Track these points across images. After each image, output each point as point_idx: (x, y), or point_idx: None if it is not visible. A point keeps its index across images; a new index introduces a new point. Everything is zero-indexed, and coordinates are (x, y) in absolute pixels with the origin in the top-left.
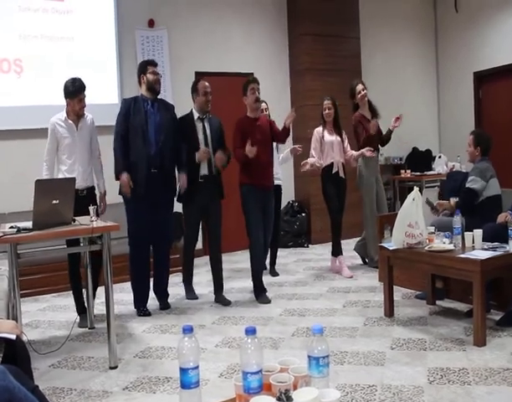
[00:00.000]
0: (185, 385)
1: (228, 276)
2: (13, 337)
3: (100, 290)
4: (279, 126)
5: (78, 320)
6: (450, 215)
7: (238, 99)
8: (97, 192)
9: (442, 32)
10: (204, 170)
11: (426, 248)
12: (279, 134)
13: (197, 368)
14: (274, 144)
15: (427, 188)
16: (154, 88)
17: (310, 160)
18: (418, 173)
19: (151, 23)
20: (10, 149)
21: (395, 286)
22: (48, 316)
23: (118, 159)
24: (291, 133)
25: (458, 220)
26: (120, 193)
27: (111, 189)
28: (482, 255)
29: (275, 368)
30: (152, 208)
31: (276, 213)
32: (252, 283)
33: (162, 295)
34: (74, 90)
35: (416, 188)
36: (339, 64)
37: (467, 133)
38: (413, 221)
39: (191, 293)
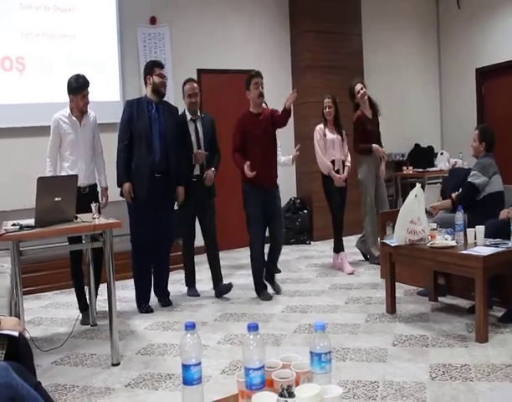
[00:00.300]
0: (187, 382)
1: (230, 273)
2: (16, 334)
3: (102, 287)
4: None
5: (80, 317)
6: (451, 211)
7: (239, 96)
8: (99, 188)
9: (444, 29)
10: (197, 171)
11: (428, 244)
12: (280, 117)
13: (199, 364)
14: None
15: (429, 184)
16: (159, 91)
17: (333, 174)
18: (420, 170)
19: (153, 21)
20: (12, 147)
21: (397, 283)
22: (51, 313)
23: (121, 169)
24: (292, 131)
25: (460, 217)
26: (121, 195)
27: (114, 186)
28: (484, 251)
29: (277, 365)
30: (154, 210)
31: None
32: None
33: (162, 293)
34: (78, 86)
35: (418, 185)
36: (341, 61)
37: (469, 130)
38: (415, 217)
39: (192, 290)
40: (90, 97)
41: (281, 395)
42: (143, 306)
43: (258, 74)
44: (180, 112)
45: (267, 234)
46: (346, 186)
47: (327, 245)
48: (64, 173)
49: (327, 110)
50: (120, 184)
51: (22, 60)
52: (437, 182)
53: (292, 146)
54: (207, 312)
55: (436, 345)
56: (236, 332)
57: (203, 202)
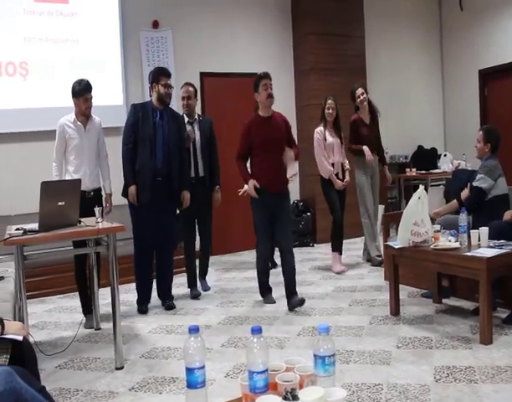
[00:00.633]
0: (191, 385)
1: (233, 277)
2: (20, 338)
3: (106, 291)
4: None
5: (84, 321)
6: (456, 213)
7: (242, 99)
8: (103, 192)
9: (446, 30)
10: (192, 172)
11: (432, 246)
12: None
13: (203, 367)
14: None
15: (432, 186)
16: (164, 101)
17: (333, 178)
18: (424, 172)
19: (156, 25)
20: (16, 151)
21: (401, 285)
22: (55, 317)
23: (127, 172)
24: (295, 133)
25: (463, 218)
26: (122, 194)
27: (117, 191)
28: (488, 252)
29: (281, 368)
30: (156, 213)
31: None
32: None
33: (166, 296)
34: (80, 89)
35: (421, 187)
36: (343, 63)
37: (472, 131)
38: (419, 219)
39: (194, 290)
40: (93, 101)
41: (285, 398)
42: (142, 307)
43: (267, 76)
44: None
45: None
46: (345, 188)
47: (330, 248)
48: (68, 177)
49: (330, 111)
50: (126, 186)
51: (25, 65)
52: (440, 184)
53: None
54: (210, 316)
55: (440, 347)
56: (239, 336)
57: (202, 204)
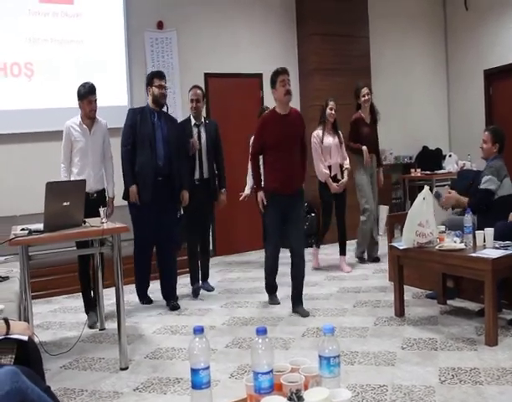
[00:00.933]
0: (196, 386)
1: (238, 277)
2: (25, 338)
3: (108, 291)
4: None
5: (88, 322)
6: (461, 214)
7: (247, 100)
8: (107, 194)
9: (451, 30)
10: (197, 174)
11: (436, 247)
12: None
13: (207, 368)
14: None
15: (437, 186)
16: (159, 102)
17: (329, 182)
18: (428, 172)
19: (160, 25)
20: (21, 152)
21: (405, 286)
22: (60, 317)
23: (127, 173)
24: None
25: (469, 219)
26: (123, 198)
27: (118, 191)
28: (493, 253)
29: (286, 368)
30: (157, 212)
31: None
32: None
33: (170, 296)
34: (84, 91)
35: (426, 187)
36: (348, 63)
37: (477, 131)
38: (424, 220)
39: (196, 286)
40: (98, 102)
41: (290, 399)
42: (143, 301)
43: (285, 71)
44: (185, 118)
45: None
46: (345, 188)
47: (335, 249)
48: (72, 179)
49: (332, 112)
50: (127, 187)
51: (30, 66)
52: (445, 185)
53: None
54: (215, 316)
55: (445, 348)
56: (244, 336)
57: (205, 205)
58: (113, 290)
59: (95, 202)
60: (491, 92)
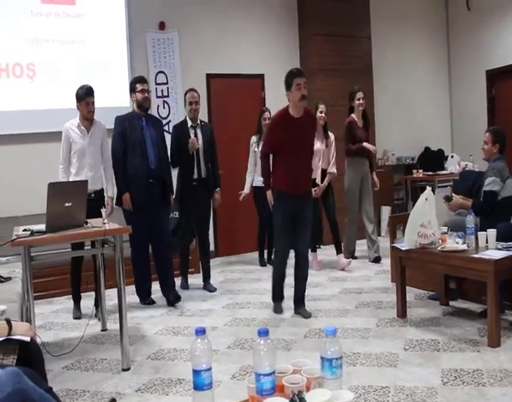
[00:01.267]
0: (198, 387)
1: (239, 278)
2: (28, 339)
3: (110, 292)
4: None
5: (85, 320)
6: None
7: (248, 100)
8: (105, 194)
9: (453, 30)
10: (195, 174)
11: (439, 248)
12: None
13: (209, 369)
14: None
15: (439, 187)
16: (143, 106)
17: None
18: (431, 173)
19: (162, 26)
20: (23, 153)
21: (407, 287)
22: (62, 318)
23: (120, 181)
24: None
25: (471, 220)
26: (116, 203)
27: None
28: (496, 254)
29: (288, 370)
30: (151, 213)
31: (270, 213)
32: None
33: (169, 292)
34: (82, 93)
35: (428, 188)
36: (350, 64)
37: (480, 132)
38: (426, 221)
39: (184, 280)
40: (99, 103)
41: (292, 401)
42: (145, 302)
43: (301, 73)
44: (181, 120)
45: None
46: (331, 192)
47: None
48: (70, 179)
49: (322, 115)
50: (120, 194)
51: (32, 67)
52: (447, 186)
53: None
54: (217, 317)
55: (447, 350)
56: (246, 337)
57: (202, 205)
58: (115, 291)
59: (93, 202)
60: (493, 93)
